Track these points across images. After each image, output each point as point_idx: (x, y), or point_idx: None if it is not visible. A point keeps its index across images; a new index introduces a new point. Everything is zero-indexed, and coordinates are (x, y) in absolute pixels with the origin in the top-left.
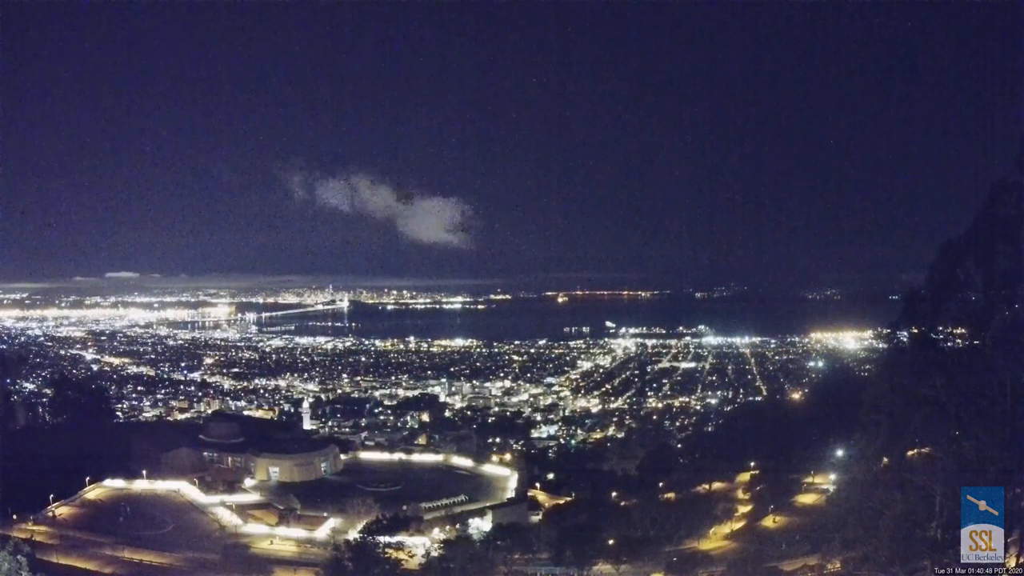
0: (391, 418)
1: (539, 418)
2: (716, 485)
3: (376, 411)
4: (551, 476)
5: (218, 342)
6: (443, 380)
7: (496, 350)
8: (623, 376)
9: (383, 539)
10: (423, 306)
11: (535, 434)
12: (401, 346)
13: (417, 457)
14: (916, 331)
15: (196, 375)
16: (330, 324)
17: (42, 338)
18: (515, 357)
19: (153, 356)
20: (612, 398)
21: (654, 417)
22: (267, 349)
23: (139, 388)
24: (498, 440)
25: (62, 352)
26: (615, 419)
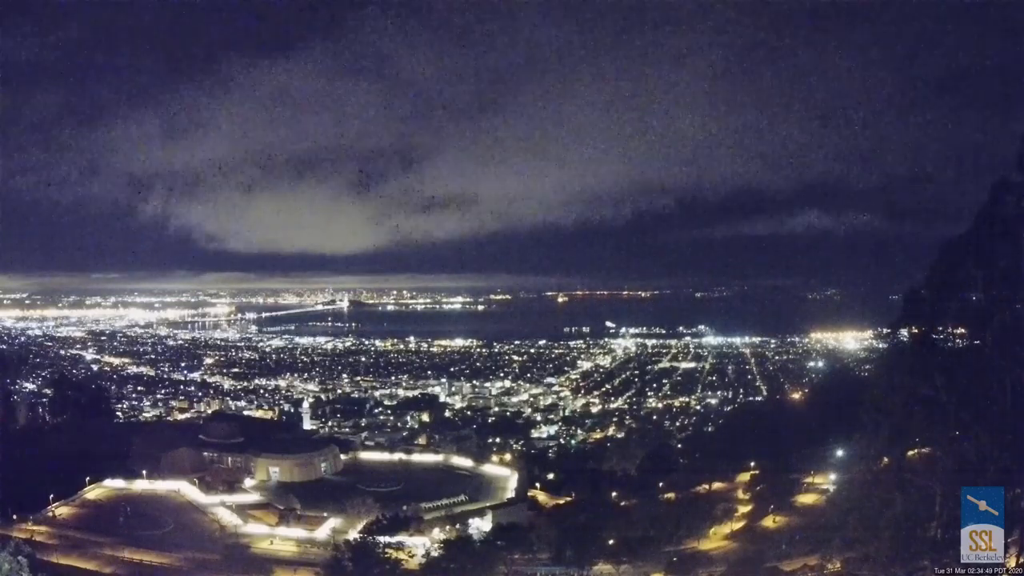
0: (391, 418)
1: (539, 418)
2: (716, 485)
3: (376, 411)
4: (551, 476)
5: (218, 342)
6: (443, 380)
7: (496, 350)
8: (623, 376)
9: (383, 539)
10: (423, 306)
11: (535, 434)
12: (401, 346)
13: (417, 457)
14: (916, 331)
15: (196, 375)
16: (330, 324)
17: (42, 338)
18: (515, 357)
19: (153, 356)
20: (612, 398)
21: (654, 417)
22: (267, 349)
23: (139, 388)
24: (498, 440)
25: (62, 352)
26: (615, 419)
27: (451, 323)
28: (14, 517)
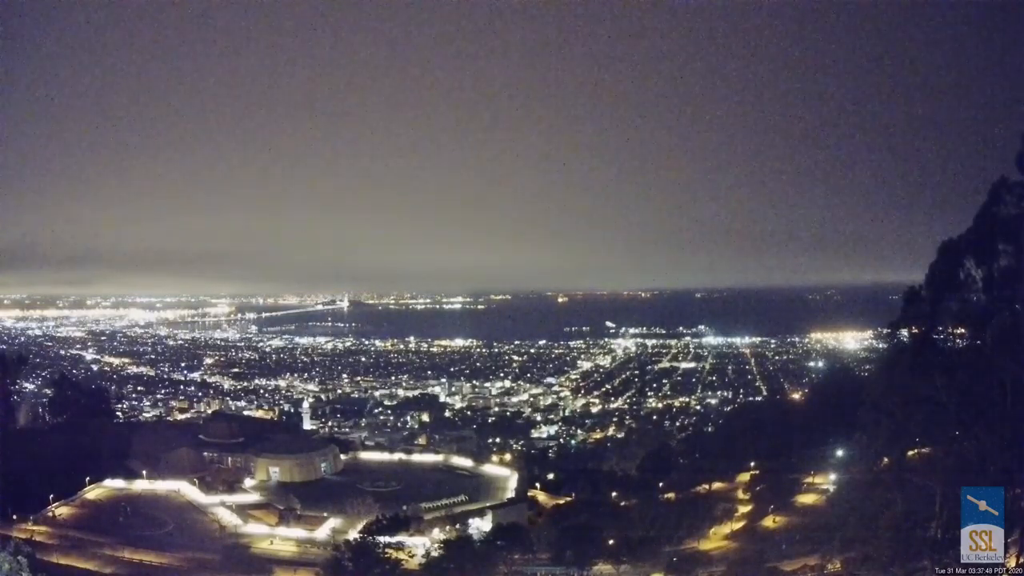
0: (391, 418)
1: (539, 418)
2: (716, 485)
3: (376, 411)
4: (551, 476)
5: (218, 342)
6: (443, 380)
7: (496, 350)
8: (623, 376)
9: (383, 539)
10: (423, 306)
11: (535, 434)
12: (401, 346)
13: (417, 457)
14: (916, 331)
15: (196, 375)
16: (330, 324)
17: (42, 338)
18: (515, 357)
19: (153, 356)
20: (612, 398)
21: (654, 417)
22: (267, 349)
23: (139, 388)
24: (498, 440)
25: (62, 352)
26: (615, 419)
27: (451, 323)
28: (14, 517)
